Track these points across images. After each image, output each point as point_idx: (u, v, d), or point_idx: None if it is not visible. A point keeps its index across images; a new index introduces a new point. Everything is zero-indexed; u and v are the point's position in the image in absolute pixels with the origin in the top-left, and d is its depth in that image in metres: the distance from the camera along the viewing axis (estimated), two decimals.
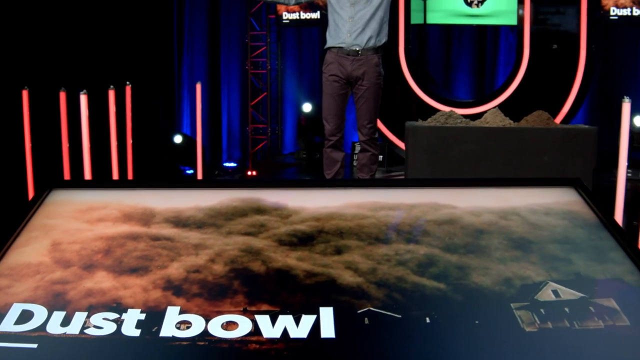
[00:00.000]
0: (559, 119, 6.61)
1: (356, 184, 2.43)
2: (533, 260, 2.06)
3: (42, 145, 5.28)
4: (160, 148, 7.38)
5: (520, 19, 6.71)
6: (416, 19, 7.14)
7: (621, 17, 6.79)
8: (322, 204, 2.27)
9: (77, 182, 2.40)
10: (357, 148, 4.84)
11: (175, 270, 2.00)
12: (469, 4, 7.09)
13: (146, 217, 2.24)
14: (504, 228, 2.21)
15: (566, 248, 2.13)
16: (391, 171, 6.85)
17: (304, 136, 7.79)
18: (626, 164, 4.13)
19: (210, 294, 1.90)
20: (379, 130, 7.11)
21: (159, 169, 7.14)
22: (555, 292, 1.94)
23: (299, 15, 7.61)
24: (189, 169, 7.51)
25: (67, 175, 4.82)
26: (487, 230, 2.19)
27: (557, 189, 2.46)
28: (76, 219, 2.25)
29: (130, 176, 5.20)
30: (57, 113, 4.79)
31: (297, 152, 7.85)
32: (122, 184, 2.41)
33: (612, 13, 6.81)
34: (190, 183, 2.37)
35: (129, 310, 1.85)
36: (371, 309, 1.83)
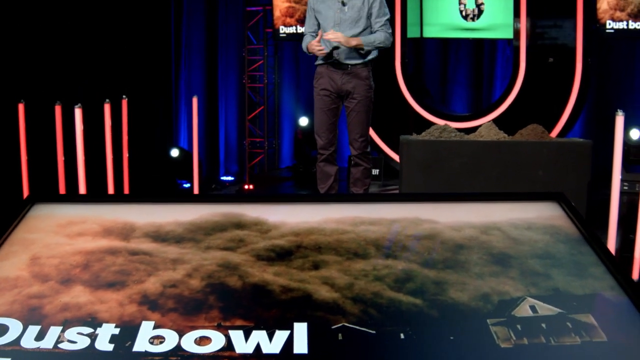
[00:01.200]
0: (555, 132, 6.60)
1: (338, 199, 2.43)
2: (512, 276, 2.05)
3: (38, 158, 5.29)
4: (157, 162, 7.39)
5: (517, 33, 6.71)
6: (413, 32, 7.15)
7: (617, 30, 6.79)
8: (302, 219, 2.27)
9: (59, 197, 2.41)
10: (351, 162, 4.84)
11: (152, 285, 2.00)
12: (465, 18, 7.11)
13: (126, 232, 2.24)
14: (484, 243, 2.20)
15: (546, 263, 2.12)
16: (387, 185, 6.83)
17: (301, 150, 7.79)
18: (620, 177, 4.12)
19: (185, 309, 1.89)
20: (375, 144, 7.12)
21: (156, 182, 7.15)
22: (532, 308, 1.93)
23: (296, 29, 7.63)
24: (186, 183, 7.52)
25: (62, 189, 4.83)
26: (467, 245, 2.18)
27: (541, 204, 2.46)
28: (56, 234, 2.25)
29: (126, 190, 5.20)
30: (54, 126, 4.80)
31: (294, 165, 7.85)
32: (104, 198, 2.41)
33: (608, 26, 6.82)
34: (172, 198, 2.38)
35: (104, 324, 1.85)
36: (346, 324, 1.83)
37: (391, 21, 6.76)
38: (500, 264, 2.10)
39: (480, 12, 7.08)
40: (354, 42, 4.16)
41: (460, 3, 7.12)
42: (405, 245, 2.16)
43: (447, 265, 2.08)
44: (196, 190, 5.30)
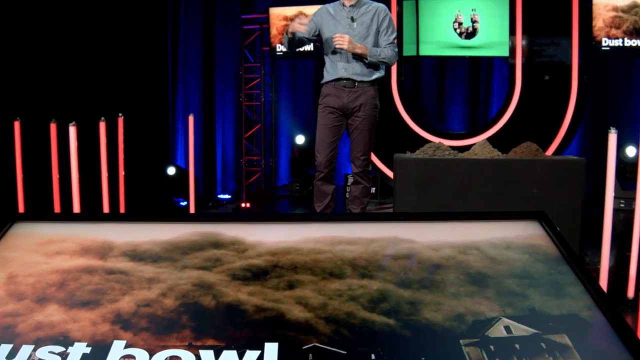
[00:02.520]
0: (551, 150, 6.60)
1: (317, 219, 2.42)
2: (488, 296, 2.04)
3: (34, 176, 5.30)
4: (154, 180, 7.41)
5: (512, 51, 6.74)
6: (409, 50, 7.18)
7: (613, 47, 6.80)
8: (280, 239, 2.27)
9: (40, 215, 2.41)
10: (350, 180, 4.83)
11: (126, 304, 2.00)
12: (461, 36, 7.14)
13: (104, 251, 2.24)
14: (462, 263, 2.19)
15: (523, 283, 2.11)
16: (384, 203, 6.83)
17: (298, 168, 7.80)
18: (613, 194, 4.10)
19: (157, 328, 1.89)
20: (372, 162, 7.13)
21: (153, 200, 7.16)
22: (507, 328, 1.92)
23: None
24: (182, 201, 7.53)
25: (57, 207, 4.83)
26: (445, 265, 2.17)
27: (522, 223, 2.45)
28: (35, 252, 2.25)
29: (122, 208, 5.21)
30: (49, 144, 4.82)
31: (291, 184, 7.85)
32: (85, 217, 2.42)
33: (604, 44, 6.83)
34: (152, 217, 2.38)
35: (76, 343, 1.85)
36: (317, 344, 1.82)
37: None
38: (477, 283, 2.09)
39: (475, 30, 7.12)
40: (359, 49, 4.17)
41: (455, 21, 7.16)
42: (382, 265, 2.16)
43: (423, 285, 2.07)
44: (192, 208, 5.30)
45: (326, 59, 4.36)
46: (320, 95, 4.40)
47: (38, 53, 6.34)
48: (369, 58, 4.20)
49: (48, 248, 2.27)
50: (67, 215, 2.43)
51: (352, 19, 4.27)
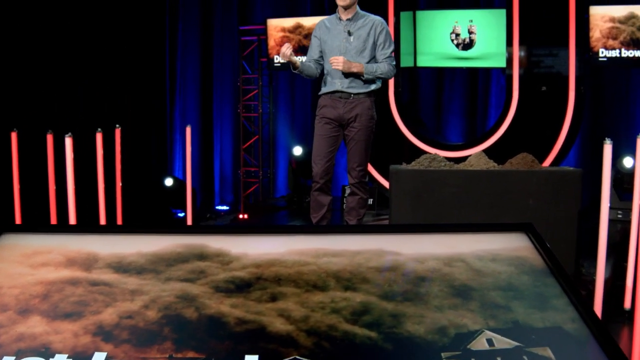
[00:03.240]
0: (549, 160, 6.60)
1: (302, 231, 2.42)
2: (472, 308, 2.04)
3: (31, 187, 5.31)
4: (151, 191, 7.42)
5: (509, 61, 6.75)
6: (406, 62, 7.21)
7: (610, 58, 6.82)
8: (265, 251, 2.27)
9: (28, 226, 2.42)
10: (347, 191, 4.83)
11: (109, 315, 1.99)
12: (458, 47, 7.16)
13: (89, 262, 2.24)
14: (446, 275, 2.18)
15: (508, 295, 2.10)
16: (381, 214, 6.83)
17: (295, 179, 7.80)
18: (608, 205, 4.10)
19: (139, 340, 1.89)
20: (368, 173, 7.12)
21: (151, 212, 7.17)
22: (489, 341, 1.91)
23: None
24: (180, 212, 7.54)
25: (53, 219, 4.83)
26: (429, 277, 2.17)
27: (508, 235, 2.44)
28: (20, 264, 2.25)
29: (119, 219, 5.21)
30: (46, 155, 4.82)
31: (289, 195, 7.85)
32: (72, 228, 2.42)
33: (601, 54, 6.84)
34: (138, 228, 2.38)
35: (57, 355, 1.85)
36: (297, 357, 1.81)
37: None
38: (461, 296, 2.09)
39: (474, 41, 7.14)
40: (355, 68, 4.18)
41: (453, 32, 7.18)
42: (366, 278, 2.15)
43: (407, 297, 2.06)
44: (189, 220, 5.30)
45: (325, 71, 4.38)
46: (317, 107, 4.41)
47: (36, 64, 6.38)
48: (365, 76, 4.22)
49: (34, 259, 2.27)
50: (54, 227, 2.43)
51: (349, 33, 4.28)
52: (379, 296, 2.07)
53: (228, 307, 2.01)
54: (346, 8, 4.27)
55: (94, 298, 2.07)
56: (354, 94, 4.27)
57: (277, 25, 7.73)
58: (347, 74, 4.23)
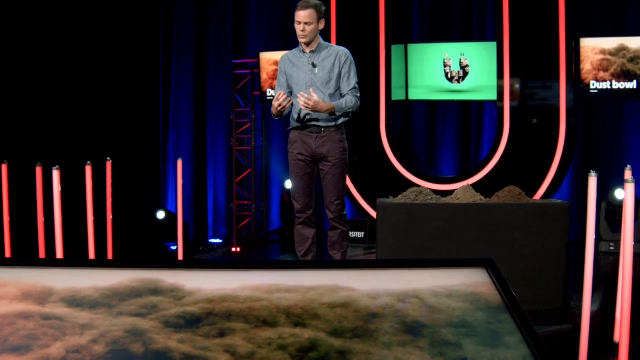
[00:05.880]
0: (540, 193, 6.58)
1: (258, 266, 2.42)
2: (421, 345, 2.02)
3: (21, 220, 5.34)
4: (143, 224, 7.45)
5: (500, 94, 6.77)
6: (398, 95, 7.24)
7: (601, 90, 6.83)
8: (220, 286, 2.27)
9: None
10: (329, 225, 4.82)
11: (56, 350, 2.00)
12: (450, 80, 7.20)
13: (43, 296, 2.25)
14: (399, 311, 2.17)
15: (460, 332, 2.09)
16: (372, 248, 6.80)
17: (287, 213, 7.79)
18: (594, 237, 4.10)
19: None
20: (361, 207, 7.11)
21: (142, 245, 7.19)
22: None
23: None
24: (173, 245, 7.55)
25: (42, 252, 4.84)
26: (381, 313, 2.16)
27: (468, 270, 2.43)
28: None
29: (109, 252, 5.21)
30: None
31: (281, 229, 7.84)
32: (32, 262, 2.44)
33: (592, 87, 6.86)
34: (97, 263, 2.40)
35: None
36: None
37: (376, 84, 6.92)
38: (412, 333, 2.07)
39: (466, 74, 7.18)
40: (325, 107, 4.19)
41: (445, 65, 7.23)
42: (317, 314, 2.14)
43: (356, 334, 2.05)
44: (181, 253, 5.29)
45: (293, 105, 4.34)
46: (289, 142, 4.41)
47: (28, 96, 6.46)
48: (337, 114, 4.23)
49: None
50: (13, 260, 2.45)
51: (314, 65, 4.29)
52: (328, 332, 2.06)
53: (175, 343, 2.00)
54: (308, 44, 4.28)
55: (44, 332, 2.08)
56: (324, 128, 4.28)
57: (269, 59, 7.81)
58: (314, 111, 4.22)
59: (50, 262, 2.41)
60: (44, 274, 2.38)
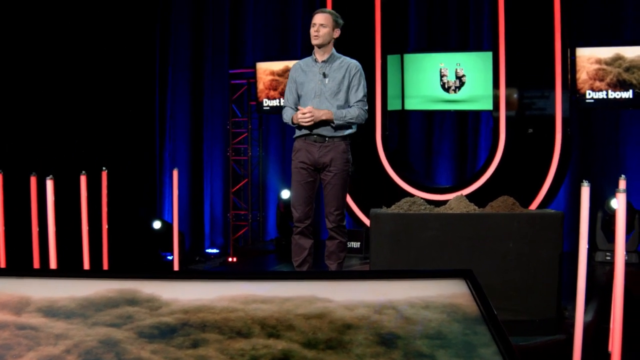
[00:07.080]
0: (536, 203, 6.56)
1: (235, 277, 2.43)
2: (394, 357, 2.01)
3: (16, 230, 5.34)
4: (139, 234, 7.45)
5: (496, 104, 6.77)
6: (394, 105, 7.24)
7: (597, 100, 6.83)
8: (196, 297, 2.27)
9: None
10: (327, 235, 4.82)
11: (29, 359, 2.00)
12: (447, 90, 7.20)
13: (20, 306, 2.25)
14: (374, 323, 2.17)
15: (434, 344, 2.08)
16: (368, 258, 6.79)
17: (283, 223, 7.78)
18: (587, 247, 4.09)
19: None
20: (357, 217, 7.10)
21: (139, 255, 7.19)
22: None
23: (279, 102, 7.75)
24: (169, 255, 7.55)
25: (36, 262, 4.84)
26: (356, 324, 2.15)
27: (446, 281, 2.42)
28: None
29: (105, 262, 5.21)
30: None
31: (277, 239, 7.83)
32: (10, 272, 2.45)
33: (588, 96, 6.86)
34: (74, 273, 2.40)
35: None
36: None
37: (371, 94, 6.92)
38: (386, 344, 2.07)
39: (462, 84, 7.18)
40: (323, 115, 4.20)
41: (441, 75, 7.23)
42: (292, 325, 2.14)
43: (329, 345, 2.05)
44: (176, 263, 5.28)
45: None
46: (292, 150, 4.43)
47: (24, 105, 6.48)
48: (335, 122, 4.23)
49: None
50: None
51: (324, 75, 4.30)
52: (301, 344, 2.05)
53: (148, 353, 2.00)
54: (320, 46, 4.28)
55: (19, 342, 2.08)
56: (329, 137, 4.28)
57: (266, 69, 7.82)
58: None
59: (29, 272, 2.41)
60: (23, 283, 2.39)
